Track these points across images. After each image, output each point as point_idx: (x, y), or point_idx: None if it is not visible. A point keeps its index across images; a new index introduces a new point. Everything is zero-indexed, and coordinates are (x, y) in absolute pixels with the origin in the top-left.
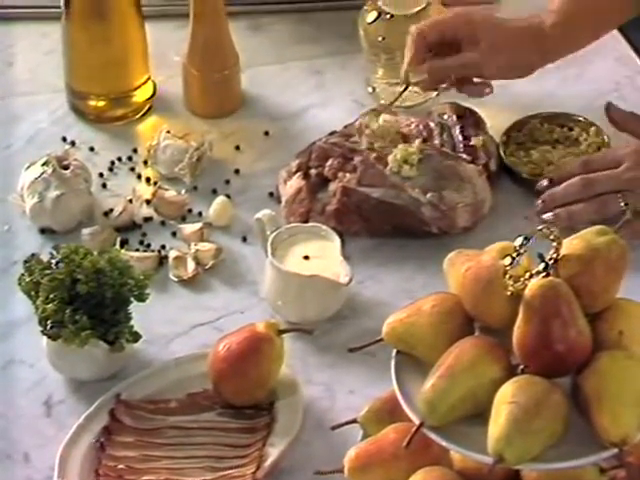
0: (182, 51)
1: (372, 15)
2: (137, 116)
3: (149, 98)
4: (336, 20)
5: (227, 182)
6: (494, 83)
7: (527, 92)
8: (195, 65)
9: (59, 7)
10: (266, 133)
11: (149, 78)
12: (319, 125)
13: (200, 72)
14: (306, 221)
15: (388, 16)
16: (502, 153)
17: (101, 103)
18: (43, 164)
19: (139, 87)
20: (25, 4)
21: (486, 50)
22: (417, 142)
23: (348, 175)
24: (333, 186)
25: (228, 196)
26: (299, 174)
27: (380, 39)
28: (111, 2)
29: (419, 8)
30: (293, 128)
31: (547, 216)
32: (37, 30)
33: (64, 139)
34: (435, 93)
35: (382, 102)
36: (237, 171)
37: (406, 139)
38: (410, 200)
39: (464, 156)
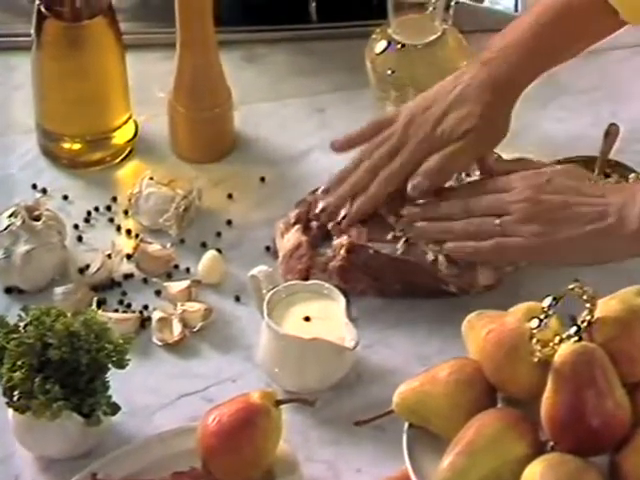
0: (167, 86)
1: (381, 45)
2: (117, 160)
3: (130, 140)
4: (340, 50)
5: (218, 235)
6: (520, 122)
7: (556, 133)
8: (182, 102)
9: (29, 35)
10: (262, 179)
11: (130, 117)
12: (321, 170)
13: (188, 110)
14: (306, 279)
15: (399, 46)
16: None
17: (76, 146)
18: (11, 215)
19: (119, 127)
20: None
21: None
22: None
23: (353, 228)
24: (337, 241)
25: (219, 250)
26: (298, 226)
27: (389, 72)
28: (87, 30)
29: (434, 37)
30: (292, 174)
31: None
32: (4, 62)
33: (34, 186)
34: None
35: None
36: (229, 222)
37: None
38: (424, 256)
39: None
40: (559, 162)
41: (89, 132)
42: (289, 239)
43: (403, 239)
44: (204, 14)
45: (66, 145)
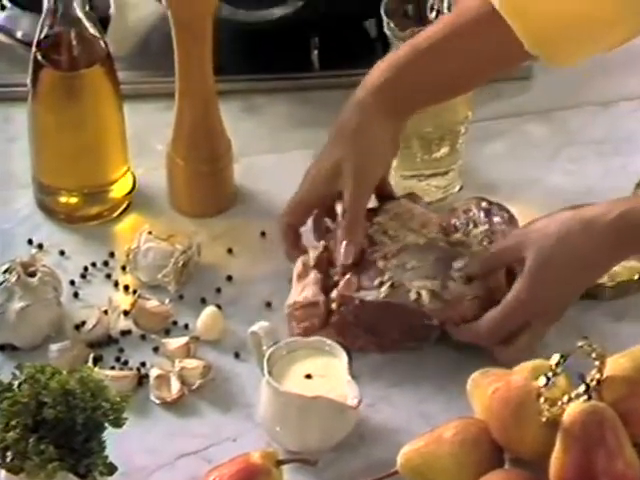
0: (166, 138)
1: None
2: (114, 215)
3: (128, 193)
4: (342, 100)
5: (218, 290)
6: (528, 174)
7: (564, 186)
8: (181, 154)
9: (25, 86)
10: (262, 234)
11: (128, 170)
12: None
13: (187, 163)
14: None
15: None
16: None
17: (73, 200)
18: (5, 271)
19: (116, 181)
20: None
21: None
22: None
23: (349, 276)
24: (333, 294)
25: (219, 306)
26: (317, 278)
27: None
28: (84, 79)
29: None
30: None
31: None
32: (1, 113)
33: (30, 242)
34: (458, 187)
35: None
36: (229, 278)
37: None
38: (407, 295)
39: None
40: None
41: (86, 185)
42: (305, 289)
43: (388, 283)
44: (204, 63)
45: (63, 199)
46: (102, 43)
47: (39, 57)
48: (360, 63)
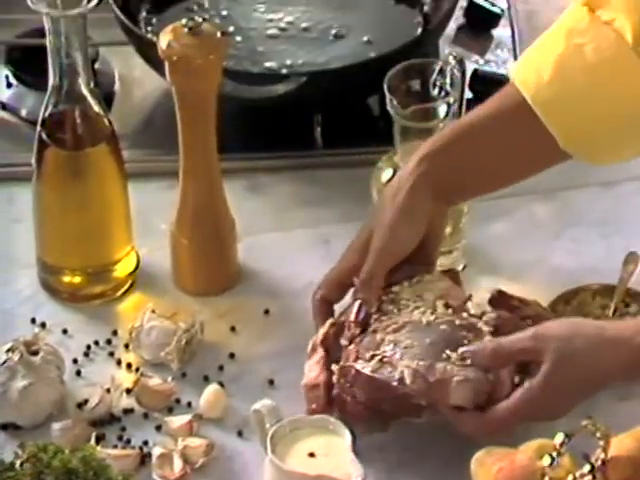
0: (170, 217)
1: (387, 173)
2: (118, 293)
3: (132, 272)
4: (346, 179)
5: (220, 368)
6: (530, 254)
7: (567, 265)
8: (185, 234)
9: (29, 165)
10: (266, 312)
11: (132, 249)
12: None
13: (190, 242)
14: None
15: None
16: None
17: (77, 279)
18: (8, 350)
19: (120, 260)
20: None
21: None
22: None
23: (350, 347)
24: (334, 367)
25: (221, 384)
26: (321, 356)
27: None
28: (89, 158)
29: None
30: (297, 306)
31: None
32: (4, 193)
33: (33, 321)
34: (461, 266)
35: None
36: (232, 355)
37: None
38: (393, 372)
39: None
40: (576, 291)
41: (90, 265)
42: (311, 369)
43: (377, 357)
44: (207, 140)
45: (66, 278)
46: (106, 121)
47: (44, 136)
48: (363, 141)
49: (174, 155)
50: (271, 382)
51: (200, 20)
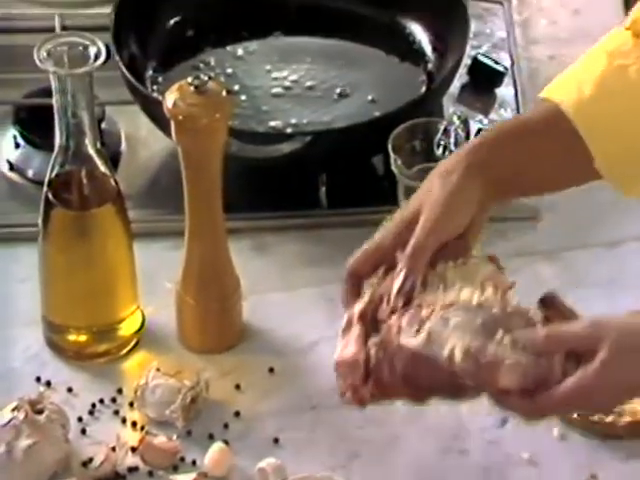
0: (175, 276)
1: None
2: (123, 352)
3: (137, 331)
4: (351, 238)
5: (225, 426)
6: None
7: None
8: (190, 293)
9: (35, 226)
10: (271, 370)
11: (137, 308)
12: (331, 362)
13: (196, 301)
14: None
15: None
16: None
17: (82, 337)
18: (13, 409)
19: (126, 319)
20: None
21: None
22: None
23: (391, 321)
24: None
25: (226, 442)
26: (359, 332)
27: None
28: (95, 218)
29: None
30: (302, 365)
31: None
32: (9, 254)
33: (38, 379)
34: None
35: None
36: (237, 413)
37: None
38: (440, 350)
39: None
40: None
41: (95, 324)
42: (348, 345)
43: (425, 332)
44: (213, 200)
45: (71, 337)
46: (113, 181)
47: (50, 197)
48: (367, 201)
49: (180, 215)
50: (276, 440)
51: (206, 78)
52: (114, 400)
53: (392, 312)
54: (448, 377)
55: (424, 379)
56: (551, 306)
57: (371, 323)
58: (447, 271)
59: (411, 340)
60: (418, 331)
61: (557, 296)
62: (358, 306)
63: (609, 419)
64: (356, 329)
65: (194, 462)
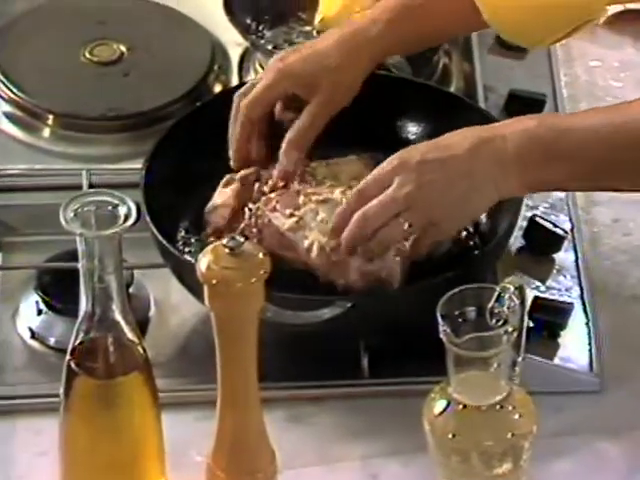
0: (206, 449)
1: (440, 405)
2: None
3: None
4: (395, 410)
5: None
6: None
7: None
8: (222, 466)
9: (56, 396)
10: None
11: None
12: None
13: (227, 474)
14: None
15: (460, 406)
16: None
17: None
18: None
19: None
20: (13, 394)
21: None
22: None
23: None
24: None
25: None
26: (234, 187)
27: (450, 436)
28: (121, 387)
29: (499, 397)
30: None
31: None
32: (30, 426)
33: None
34: None
35: None
36: None
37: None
38: (303, 240)
39: None
40: None
41: None
42: (221, 194)
43: (295, 218)
44: (247, 368)
45: None
46: (140, 348)
47: (73, 365)
48: (413, 370)
49: (211, 384)
50: None
51: (242, 240)
52: None
53: (272, 190)
54: (304, 265)
55: (283, 260)
56: None
57: (248, 191)
58: (318, 168)
59: (282, 220)
60: (292, 215)
61: None
62: (243, 171)
63: None
64: (234, 185)
65: None
